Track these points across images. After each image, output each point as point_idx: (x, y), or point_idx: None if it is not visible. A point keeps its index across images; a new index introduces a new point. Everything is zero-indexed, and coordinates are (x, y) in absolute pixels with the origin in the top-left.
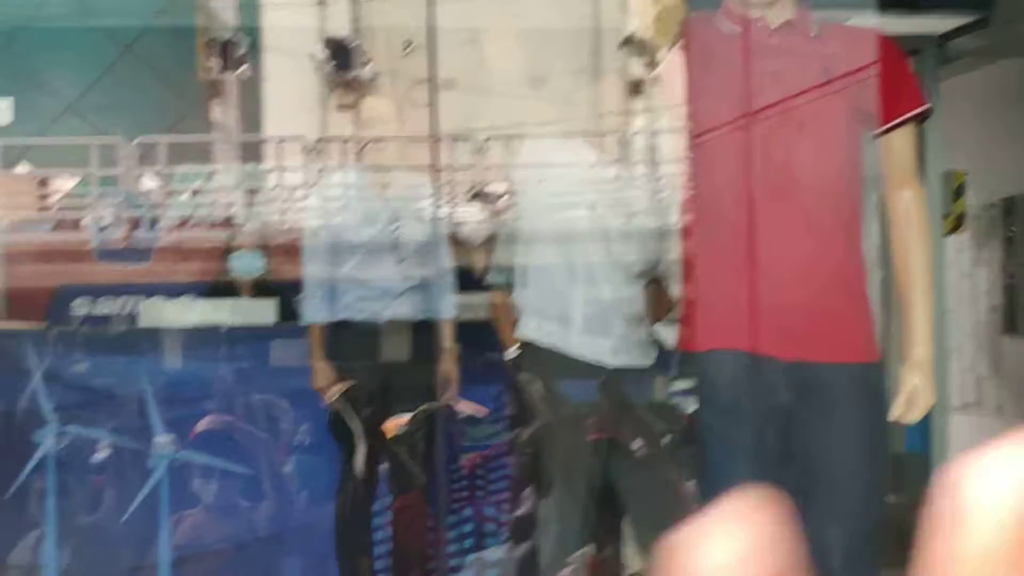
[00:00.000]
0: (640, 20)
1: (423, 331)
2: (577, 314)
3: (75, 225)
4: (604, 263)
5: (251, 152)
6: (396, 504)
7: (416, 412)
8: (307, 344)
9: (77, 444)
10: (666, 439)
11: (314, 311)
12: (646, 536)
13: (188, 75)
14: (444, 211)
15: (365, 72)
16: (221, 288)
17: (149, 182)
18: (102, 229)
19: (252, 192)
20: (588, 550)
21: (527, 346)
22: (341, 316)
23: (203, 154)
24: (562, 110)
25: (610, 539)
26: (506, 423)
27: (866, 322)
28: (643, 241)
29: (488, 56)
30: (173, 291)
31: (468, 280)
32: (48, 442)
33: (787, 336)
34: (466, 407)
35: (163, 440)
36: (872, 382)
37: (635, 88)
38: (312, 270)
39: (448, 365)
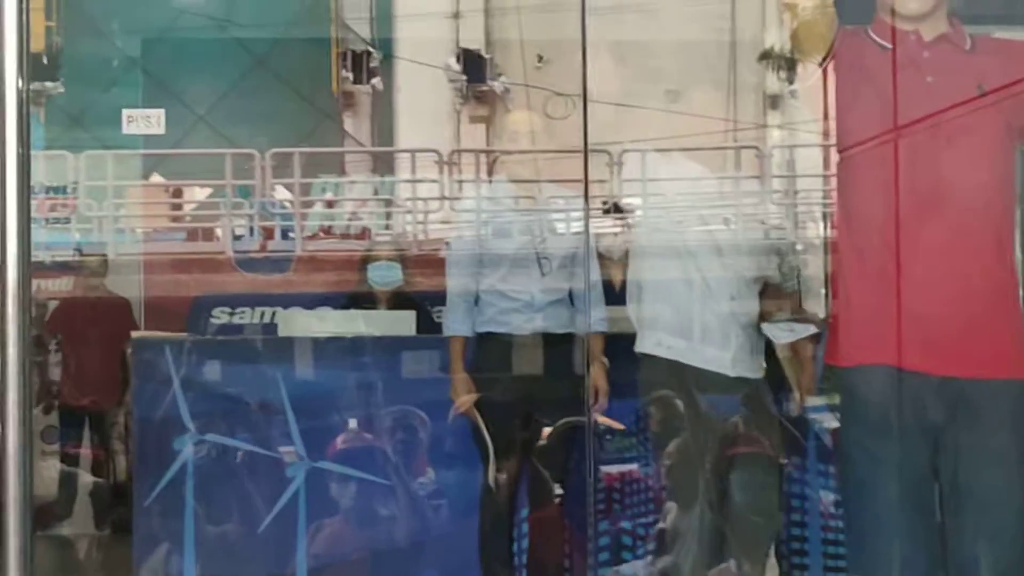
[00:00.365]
0: (779, 34)
1: (566, 344)
2: (696, 326)
3: (209, 235)
4: (719, 276)
5: (384, 163)
6: (533, 516)
7: (556, 425)
8: (446, 355)
9: (215, 452)
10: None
11: (456, 324)
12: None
13: (322, 87)
14: (590, 225)
15: (497, 85)
16: (359, 299)
17: (283, 192)
18: (237, 238)
19: (387, 203)
20: (729, 565)
21: (647, 359)
22: (483, 329)
23: (337, 165)
24: (699, 123)
25: (750, 554)
26: (643, 437)
27: (1019, 338)
28: (757, 252)
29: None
30: (311, 301)
31: (608, 294)
32: (187, 450)
33: (938, 351)
34: (605, 421)
35: (300, 450)
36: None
37: (773, 102)
38: (455, 283)
39: (598, 377)
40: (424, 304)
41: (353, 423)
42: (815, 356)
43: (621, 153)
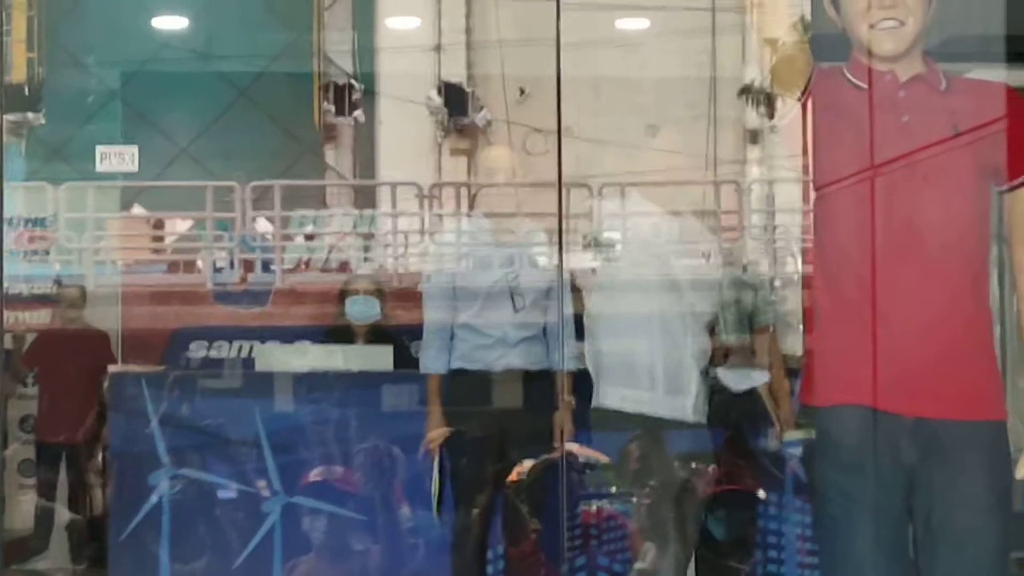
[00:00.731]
0: (759, 70)
1: (540, 380)
2: (658, 375)
3: (190, 267)
4: (677, 316)
5: (365, 197)
6: (510, 553)
7: (536, 462)
8: (423, 391)
9: (191, 487)
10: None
11: (430, 361)
12: None
13: (303, 120)
14: (564, 260)
15: (479, 118)
16: (336, 333)
17: (264, 225)
18: (217, 271)
19: (367, 237)
20: None
21: (605, 412)
22: (456, 365)
23: (318, 198)
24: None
25: None
26: (621, 472)
27: (994, 379)
28: (711, 291)
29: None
30: (289, 335)
31: (580, 329)
32: (163, 485)
33: (912, 392)
34: (585, 452)
35: (276, 485)
36: (998, 440)
37: (752, 137)
38: (431, 317)
39: (563, 418)
40: (401, 338)
41: (327, 459)
42: (792, 391)
43: (601, 187)
